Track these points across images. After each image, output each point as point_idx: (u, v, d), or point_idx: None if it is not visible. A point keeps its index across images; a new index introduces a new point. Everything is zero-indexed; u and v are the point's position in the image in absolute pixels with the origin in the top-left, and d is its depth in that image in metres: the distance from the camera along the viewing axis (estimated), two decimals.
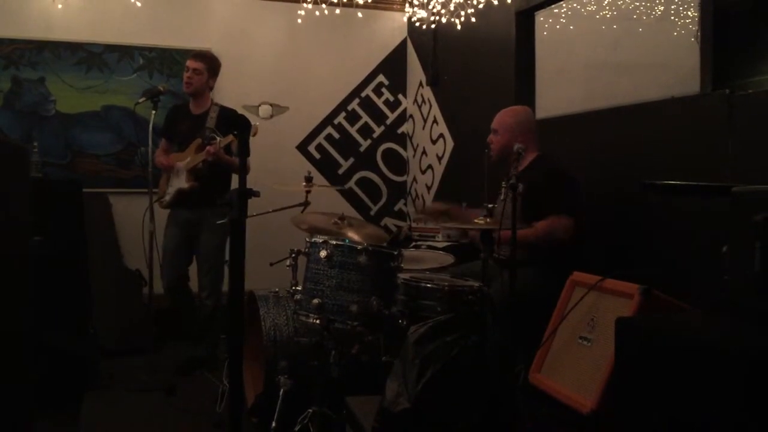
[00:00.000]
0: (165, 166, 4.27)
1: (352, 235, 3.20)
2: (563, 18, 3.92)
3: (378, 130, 5.94)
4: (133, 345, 4.44)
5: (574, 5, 3.83)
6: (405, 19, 5.86)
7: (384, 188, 5.98)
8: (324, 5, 5.22)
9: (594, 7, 3.65)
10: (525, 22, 4.22)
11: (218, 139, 3.93)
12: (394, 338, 2.71)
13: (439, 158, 5.33)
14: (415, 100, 5.82)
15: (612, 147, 3.41)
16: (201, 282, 4.22)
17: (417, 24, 5.38)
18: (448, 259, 3.55)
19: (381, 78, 5.92)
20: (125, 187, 5.21)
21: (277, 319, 3.20)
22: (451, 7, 4.90)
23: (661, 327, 1.71)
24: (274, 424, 2.92)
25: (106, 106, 5.21)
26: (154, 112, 4.02)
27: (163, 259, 4.19)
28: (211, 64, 4.26)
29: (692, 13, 3.00)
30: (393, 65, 5.94)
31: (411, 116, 5.93)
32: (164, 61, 5.31)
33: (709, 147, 2.80)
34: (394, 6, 5.84)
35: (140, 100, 4.23)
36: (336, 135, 5.84)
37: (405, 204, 6.04)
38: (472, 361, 2.18)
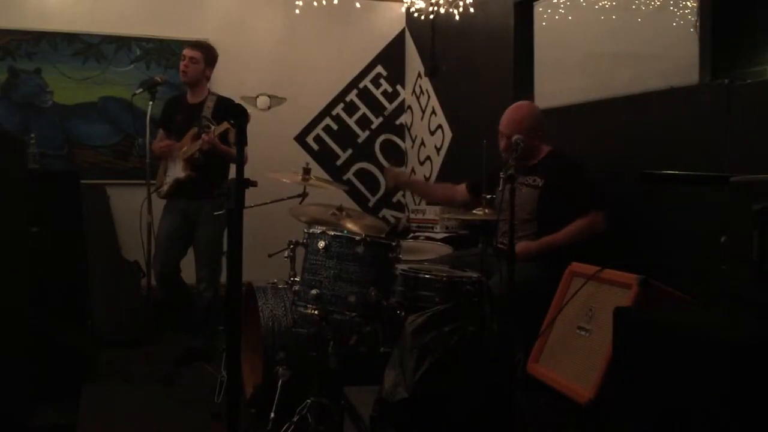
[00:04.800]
0: (164, 150, 4.25)
1: (351, 226, 3.20)
2: (562, 8, 3.90)
3: (376, 122, 5.93)
4: (132, 336, 4.44)
5: None
6: (403, 10, 5.83)
7: (382, 179, 5.97)
8: None
9: None
10: (523, 12, 4.20)
11: (213, 127, 3.91)
12: (392, 329, 2.71)
13: (438, 149, 5.32)
14: (414, 91, 5.80)
15: (611, 137, 3.40)
16: (198, 273, 4.22)
17: (415, 14, 5.35)
18: (446, 250, 3.55)
19: (379, 69, 5.91)
20: (123, 179, 5.20)
21: (275, 310, 3.20)
22: None
23: (659, 317, 1.71)
24: (272, 415, 2.92)
25: (104, 97, 5.20)
26: (151, 103, 4.01)
27: (155, 249, 4.13)
28: (207, 53, 4.25)
29: (691, 3, 2.99)
30: (391, 56, 5.92)
31: (409, 107, 5.92)
32: (162, 51, 5.30)
33: (707, 137, 2.80)
34: None
35: (138, 91, 4.21)
36: (334, 126, 5.83)
37: (404, 196, 6.03)
38: (470, 351, 2.18)
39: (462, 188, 3.79)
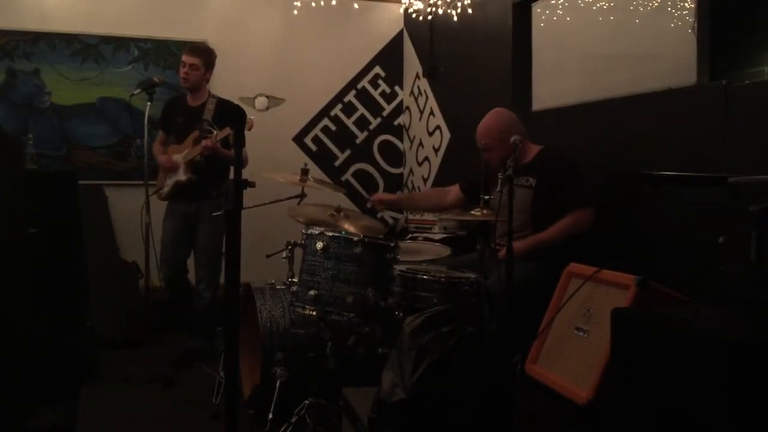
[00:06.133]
0: (166, 166, 4.25)
1: (349, 226, 3.20)
2: (560, 9, 3.91)
3: (374, 122, 5.93)
4: (130, 337, 4.45)
5: None
6: (401, 11, 5.83)
7: (380, 180, 5.97)
8: None
9: None
10: (522, 12, 4.20)
11: (215, 132, 3.92)
12: (391, 330, 2.71)
13: (436, 150, 5.33)
14: (412, 92, 5.80)
15: (609, 138, 3.40)
16: (198, 274, 4.23)
17: (413, 15, 5.36)
18: (445, 251, 3.55)
19: (377, 70, 5.91)
20: (121, 180, 5.19)
21: (273, 310, 3.20)
22: None
23: (657, 318, 1.71)
24: (270, 416, 2.92)
25: (102, 97, 5.19)
26: (149, 103, 4.01)
27: (161, 252, 4.20)
28: (207, 58, 4.25)
29: (689, 4, 3.00)
30: (389, 57, 5.92)
31: (407, 108, 5.92)
32: (160, 52, 5.29)
33: (705, 138, 2.80)
34: None
35: (136, 92, 4.22)
36: (332, 127, 5.83)
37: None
38: (468, 352, 2.18)
39: (454, 189, 3.79)
